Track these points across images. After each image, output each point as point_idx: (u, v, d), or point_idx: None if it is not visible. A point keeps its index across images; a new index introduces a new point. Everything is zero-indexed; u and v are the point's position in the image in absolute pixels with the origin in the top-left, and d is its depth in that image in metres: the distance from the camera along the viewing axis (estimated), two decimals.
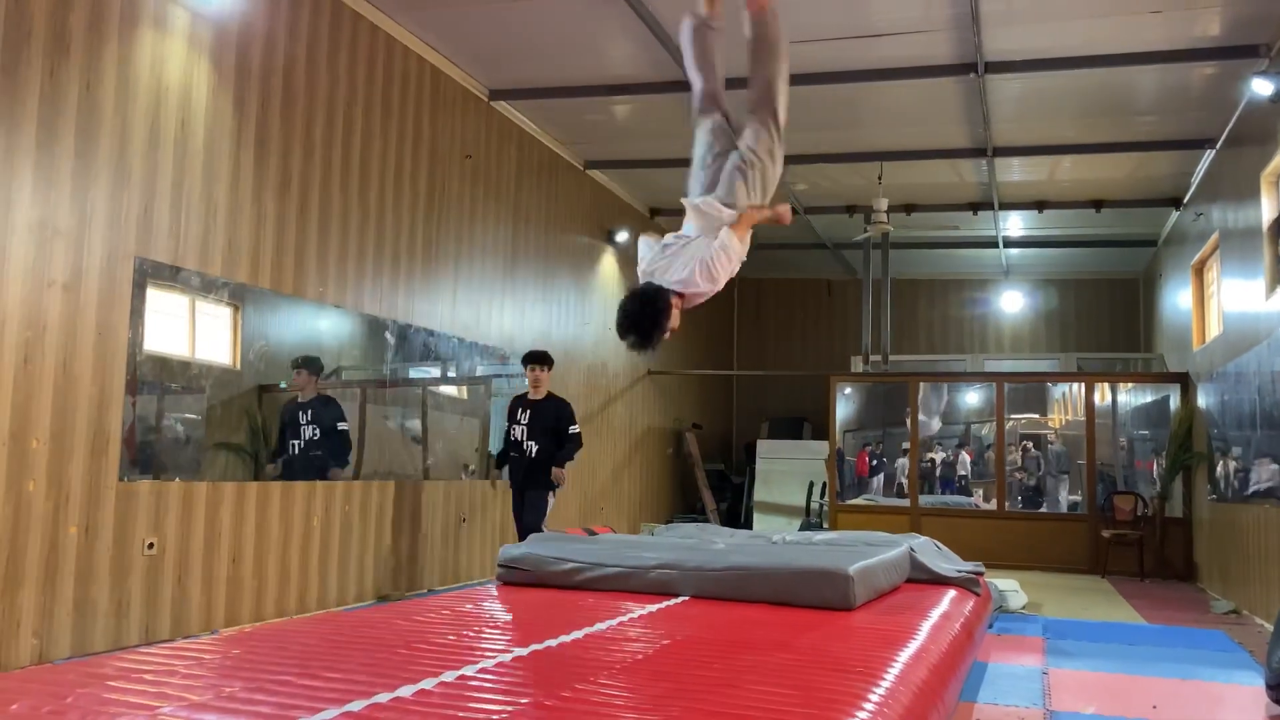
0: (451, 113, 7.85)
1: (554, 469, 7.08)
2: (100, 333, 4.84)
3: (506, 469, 7.31)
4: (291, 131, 6.15)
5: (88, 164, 4.80)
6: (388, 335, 7.11)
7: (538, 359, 7.27)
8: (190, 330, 5.52)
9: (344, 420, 6.70)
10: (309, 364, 6.48)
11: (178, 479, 5.30)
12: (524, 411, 7.17)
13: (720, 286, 3.86)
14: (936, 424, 13.67)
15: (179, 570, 5.26)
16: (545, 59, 7.76)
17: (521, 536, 6.69)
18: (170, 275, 5.27)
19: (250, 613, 5.73)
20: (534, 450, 7.09)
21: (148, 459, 5.16)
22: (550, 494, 7.16)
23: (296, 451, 6.34)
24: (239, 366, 5.81)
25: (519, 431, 7.16)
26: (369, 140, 6.85)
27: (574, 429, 7.20)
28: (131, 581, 4.98)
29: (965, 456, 13.75)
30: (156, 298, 5.21)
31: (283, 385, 6.26)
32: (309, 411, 6.50)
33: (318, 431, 6.50)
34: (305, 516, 6.19)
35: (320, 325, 6.50)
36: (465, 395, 8.26)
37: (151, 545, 5.09)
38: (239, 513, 5.67)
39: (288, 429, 6.33)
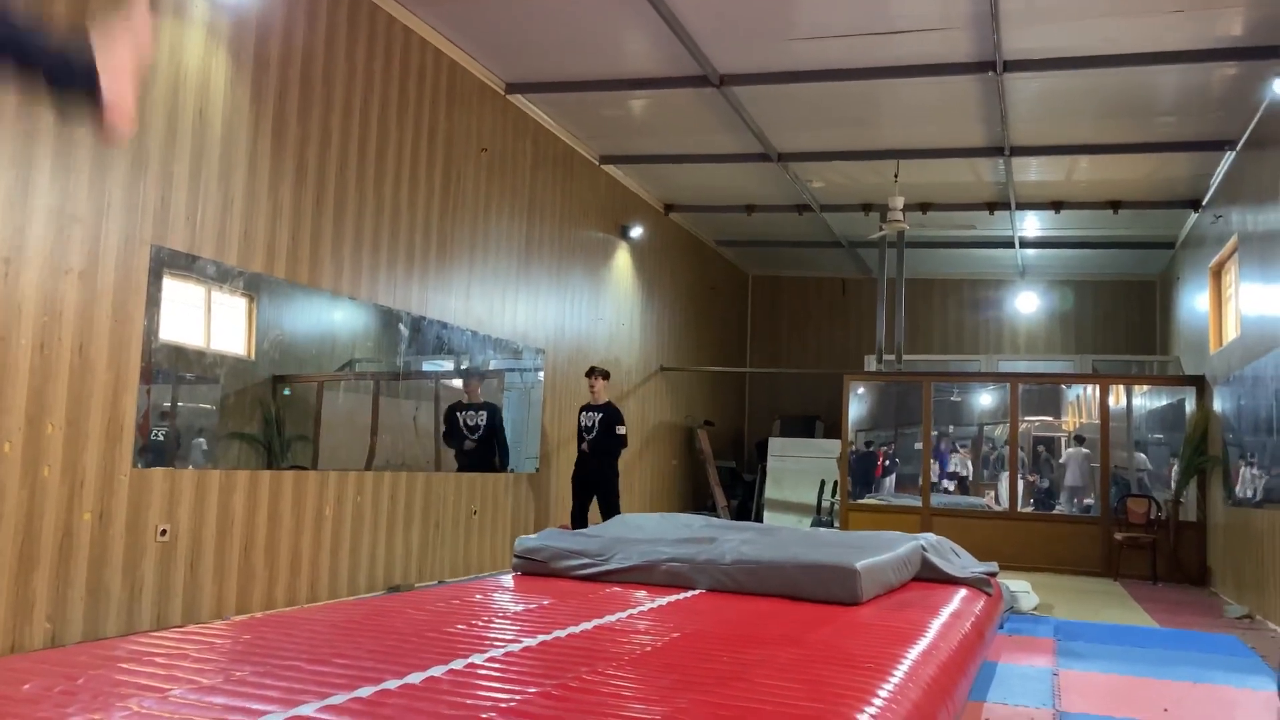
0: (468, 106, 7.86)
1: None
2: (116, 320, 4.87)
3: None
4: (308, 122, 6.17)
5: (105, 152, 4.82)
6: (401, 327, 7.13)
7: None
8: (205, 319, 5.54)
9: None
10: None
11: (191, 467, 5.33)
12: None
13: None
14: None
15: (191, 557, 5.29)
16: (562, 53, 7.76)
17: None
18: (186, 264, 5.29)
19: (261, 601, 5.75)
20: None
21: (162, 447, 5.19)
22: None
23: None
24: (254, 357, 5.83)
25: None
26: (385, 132, 6.87)
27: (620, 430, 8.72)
28: (144, 567, 5.01)
29: (965, 458, 13.71)
30: (172, 286, 5.23)
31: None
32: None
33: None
34: (317, 506, 6.22)
35: (334, 316, 6.52)
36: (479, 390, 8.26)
37: (164, 532, 5.12)
38: (252, 501, 5.70)
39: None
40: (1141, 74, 7.54)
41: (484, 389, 8.33)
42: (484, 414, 8.29)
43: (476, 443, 8.12)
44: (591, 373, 8.74)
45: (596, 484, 8.60)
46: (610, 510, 8.47)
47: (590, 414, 8.69)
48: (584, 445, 8.59)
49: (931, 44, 7.21)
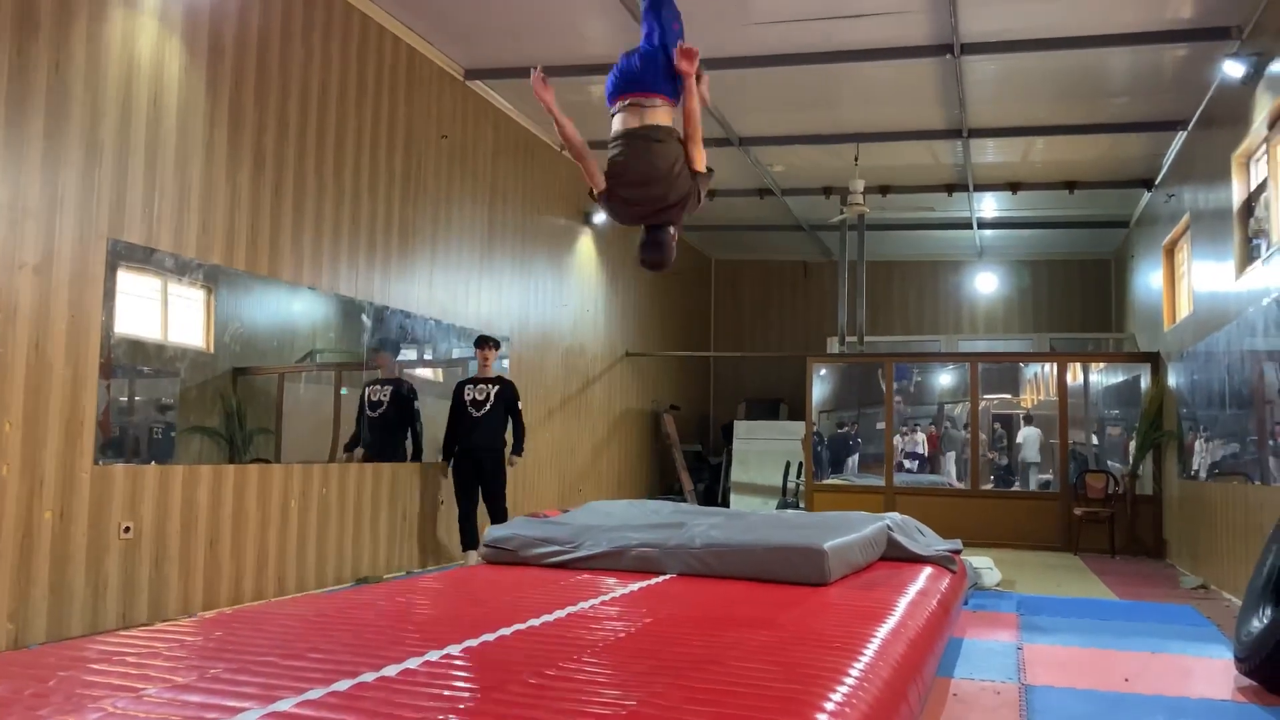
0: (427, 92, 7.79)
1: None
2: (73, 315, 4.78)
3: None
4: (265, 111, 6.08)
5: (58, 144, 4.73)
6: (364, 317, 7.07)
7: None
8: (163, 313, 5.46)
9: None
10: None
11: (153, 462, 5.26)
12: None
13: None
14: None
15: (156, 553, 5.23)
16: (522, 38, 7.70)
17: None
18: (143, 257, 5.21)
19: (228, 596, 5.70)
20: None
21: (123, 442, 5.11)
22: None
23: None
24: (213, 350, 5.76)
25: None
26: (344, 120, 6.79)
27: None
28: (108, 565, 4.95)
29: (922, 437, 13.93)
30: (129, 280, 5.14)
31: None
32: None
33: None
34: (283, 499, 6.16)
35: (295, 307, 6.45)
36: (442, 378, 8.22)
37: (128, 529, 5.05)
38: (216, 496, 5.64)
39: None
40: (1095, 55, 7.64)
41: (447, 372, 8.22)
42: (388, 389, 7.08)
43: (376, 420, 6.98)
44: (484, 342, 7.65)
45: (493, 473, 7.42)
46: (500, 509, 7.42)
47: (482, 387, 7.49)
48: (478, 414, 7.31)
49: (890, 27, 7.25)
